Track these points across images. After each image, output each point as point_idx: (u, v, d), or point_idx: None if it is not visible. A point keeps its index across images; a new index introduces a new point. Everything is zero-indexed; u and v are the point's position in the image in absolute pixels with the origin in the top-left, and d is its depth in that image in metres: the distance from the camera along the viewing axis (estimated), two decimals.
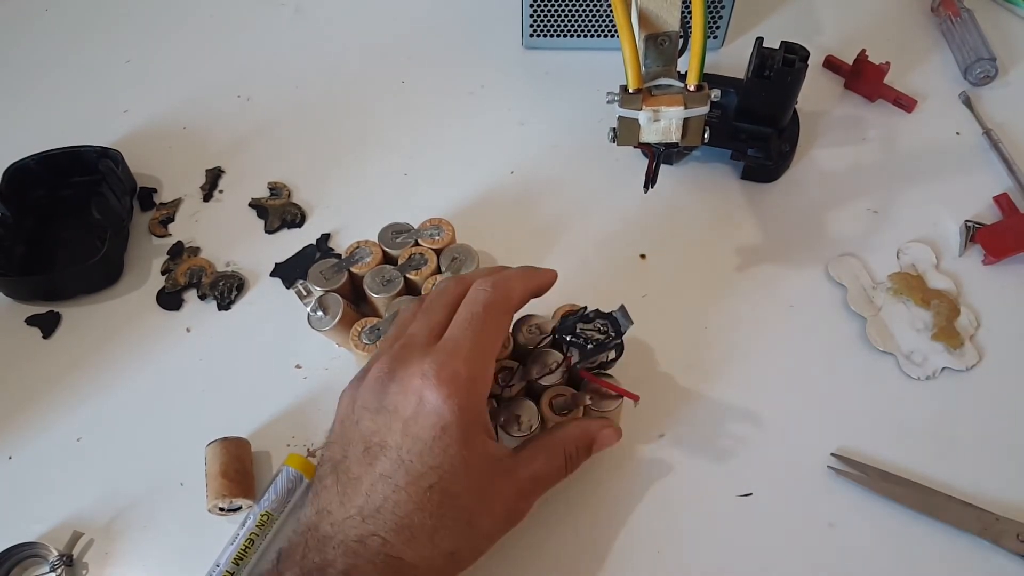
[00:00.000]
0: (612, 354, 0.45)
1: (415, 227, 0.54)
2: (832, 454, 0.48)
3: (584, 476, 0.47)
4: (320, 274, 0.51)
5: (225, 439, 0.47)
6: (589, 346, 0.43)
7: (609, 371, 0.47)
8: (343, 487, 0.38)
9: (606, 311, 0.44)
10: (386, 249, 0.53)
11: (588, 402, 0.46)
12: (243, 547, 0.44)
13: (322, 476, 0.39)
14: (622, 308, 0.44)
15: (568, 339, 0.44)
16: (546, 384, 0.46)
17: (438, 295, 0.44)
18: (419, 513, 0.37)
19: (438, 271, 0.52)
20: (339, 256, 0.53)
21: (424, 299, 0.44)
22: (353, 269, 0.52)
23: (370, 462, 0.38)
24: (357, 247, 0.53)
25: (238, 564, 0.43)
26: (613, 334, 0.44)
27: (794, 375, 0.51)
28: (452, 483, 0.37)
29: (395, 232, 0.54)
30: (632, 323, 0.44)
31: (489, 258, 0.57)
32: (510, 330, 0.44)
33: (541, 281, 0.44)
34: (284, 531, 0.46)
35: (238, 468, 0.46)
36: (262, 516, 0.45)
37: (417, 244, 0.53)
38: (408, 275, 0.51)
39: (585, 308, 0.44)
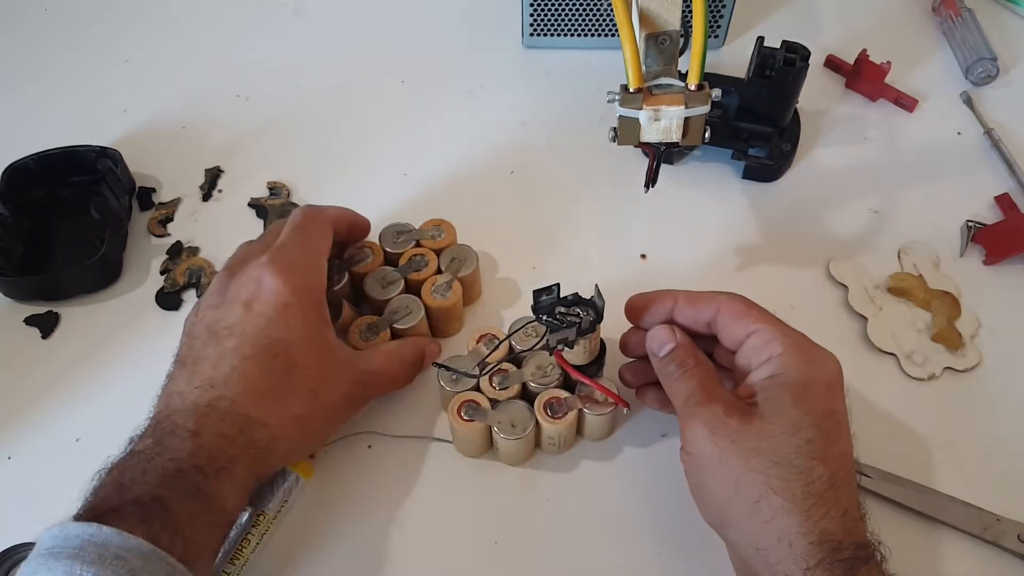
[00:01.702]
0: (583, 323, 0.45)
1: (416, 227, 0.54)
2: None
3: (585, 475, 0.47)
4: None
5: None
6: (564, 325, 0.44)
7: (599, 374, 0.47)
8: (190, 369, 0.41)
9: (585, 296, 0.44)
10: (387, 249, 0.53)
11: (582, 406, 0.46)
12: (239, 547, 0.43)
13: (169, 375, 0.42)
14: (596, 289, 0.44)
15: (545, 318, 0.44)
16: (541, 386, 0.46)
17: (268, 230, 0.49)
18: (266, 379, 0.40)
19: (438, 272, 0.52)
20: (339, 257, 0.53)
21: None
22: (354, 269, 0.52)
23: (217, 342, 0.41)
24: (359, 248, 0.53)
25: (234, 563, 0.43)
26: (593, 317, 0.44)
27: None
28: (297, 354, 0.41)
29: (396, 232, 0.53)
30: (604, 302, 0.44)
31: (489, 258, 0.57)
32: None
33: (354, 217, 0.51)
34: (281, 531, 0.46)
35: None
36: (257, 516, 0.44)
37: (418, 245, 0.53)
38: (408, 276, 0.51)
39: (557, 285, 0.44)
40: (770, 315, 0.42)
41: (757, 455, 0.37)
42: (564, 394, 0.46)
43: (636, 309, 0.45)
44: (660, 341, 0.43)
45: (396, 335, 0.49)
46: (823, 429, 0.38)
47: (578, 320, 0.44)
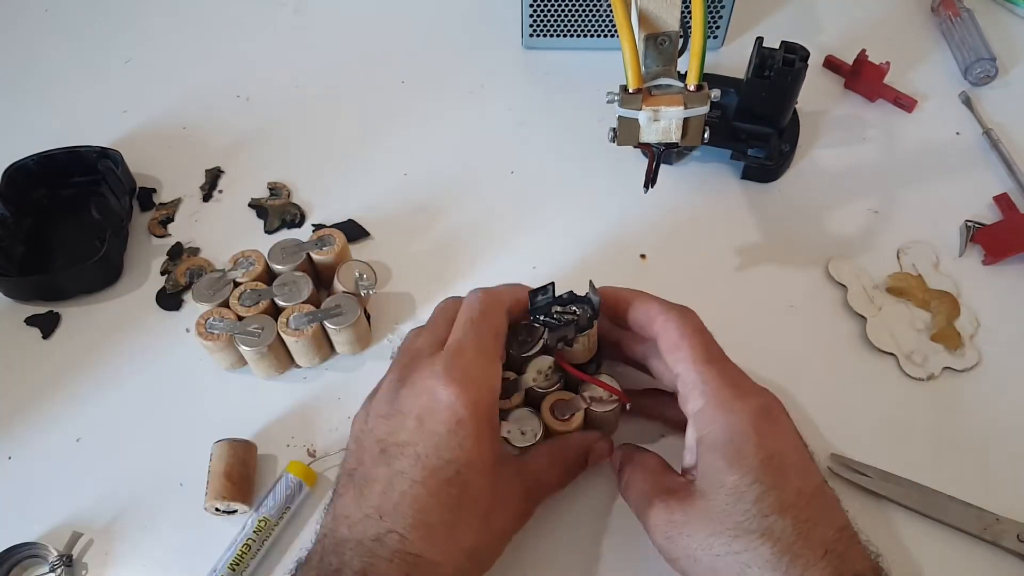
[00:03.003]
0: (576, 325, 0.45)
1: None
2: (832, 455, 0.47)
3: (585, 476, 0.47)
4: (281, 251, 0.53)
5: (234, 440, 0.47)
6: (562, 324, 0.44)
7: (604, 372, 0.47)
8: (359, 489, 0.38)
9: (580, 294, 0.45)
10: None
11: (587, 404, 0.46)
12: (240, 552, 0.43)
13: (338, 488, 0.40)
14: (591, 285, 0.44)
15: (542, 319, 0.44)
16: (544, 389, 0.46)
17: (439, 312, 0.45)
18: (438, 508, 0.37)
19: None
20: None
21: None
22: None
23: (387, 462, 0.38)
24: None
25: (234, 570, 0.43)
26: (590, 313, 0.44)
27: (794, 375, 0.51)
28: (469, 477, 0.37)
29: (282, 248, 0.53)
30: (600, 297, 0.44)
31: (489, 258, 0.57)
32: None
33: (524, 292, 0.45)
34: (283, 538, 0.46)
35: (241, 472, 0.46)
36: (260, 522, 0.44)
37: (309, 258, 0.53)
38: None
39: (552, 285, 0.44)
40: (700, 343, 0.41)
41: (715, 537, 0.36)
42: (568, 395, 0.46)
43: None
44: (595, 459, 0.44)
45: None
46: (766, 482, 0.36)
47: (575, 317, 0.44)
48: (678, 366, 0.40)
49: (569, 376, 0.46)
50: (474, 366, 0.39)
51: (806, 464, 0.38)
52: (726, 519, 0.36)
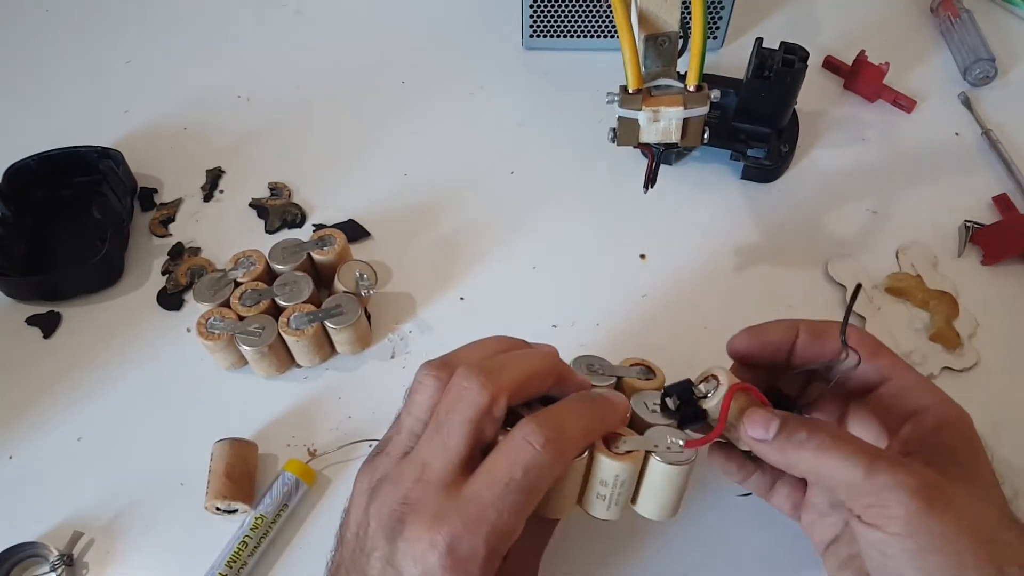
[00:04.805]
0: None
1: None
2: None
3: None
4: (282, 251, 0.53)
5: (234, 440, 0.47)
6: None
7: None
8: None
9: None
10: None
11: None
12: (236, 550, 0.43)
13: None
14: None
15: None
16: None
17: (454, 405, 0.33)
18: None
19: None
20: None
21: (435, 411, 0.34)
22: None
23: None
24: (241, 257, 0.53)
25: (231, 567, 0.43)
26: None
27: None
28: None
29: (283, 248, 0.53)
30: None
31: (489, 258, 0.57)
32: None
33: (612, 416, 0.36)
34: (282, 536, 0.46)
35: (242, 471, 0.46)
36: (256, 519, 0.44)
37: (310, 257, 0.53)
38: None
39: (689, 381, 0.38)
40: (895, 354, 0.40)
41: (982, 522, 0.32)
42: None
43: (747, 349, 0.40)
44: (762, 423, 0.35)
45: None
46: (998, 484, 0.35)
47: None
48: (886, 371, 0.39)
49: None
50: (486, 547, 0.31)
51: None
52: (986, 509, 0.33)
